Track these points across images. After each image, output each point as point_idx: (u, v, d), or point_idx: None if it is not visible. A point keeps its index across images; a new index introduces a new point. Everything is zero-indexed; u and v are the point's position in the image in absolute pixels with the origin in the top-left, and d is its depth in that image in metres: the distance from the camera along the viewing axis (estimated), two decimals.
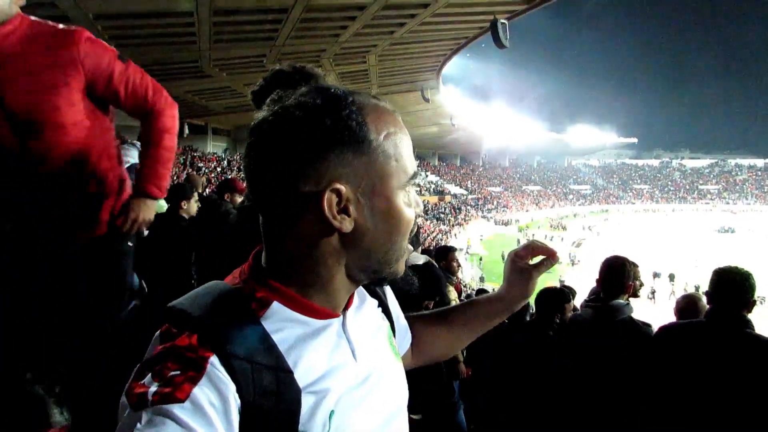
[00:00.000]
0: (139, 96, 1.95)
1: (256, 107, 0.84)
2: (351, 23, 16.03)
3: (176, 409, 0.56)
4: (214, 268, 1.55)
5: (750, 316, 2.50)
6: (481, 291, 9.03)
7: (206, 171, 30.57)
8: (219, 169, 32.70)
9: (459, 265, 6.10)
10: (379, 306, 0.93)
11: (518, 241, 48.76)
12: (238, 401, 0.61)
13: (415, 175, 0.74)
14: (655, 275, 34.36)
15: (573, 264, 40.65)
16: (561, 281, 32.39)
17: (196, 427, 0.56)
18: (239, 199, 4.89)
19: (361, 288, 0.87)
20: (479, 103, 57.55)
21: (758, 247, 48.58)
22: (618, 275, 2.97)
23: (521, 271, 1.05)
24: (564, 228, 60.22)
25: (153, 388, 0.58)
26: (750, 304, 2.47)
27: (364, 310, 0.86)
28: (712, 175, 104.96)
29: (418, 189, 56.17)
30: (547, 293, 3.59)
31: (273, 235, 0.74)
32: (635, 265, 3.35)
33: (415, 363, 1.10)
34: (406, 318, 1.08)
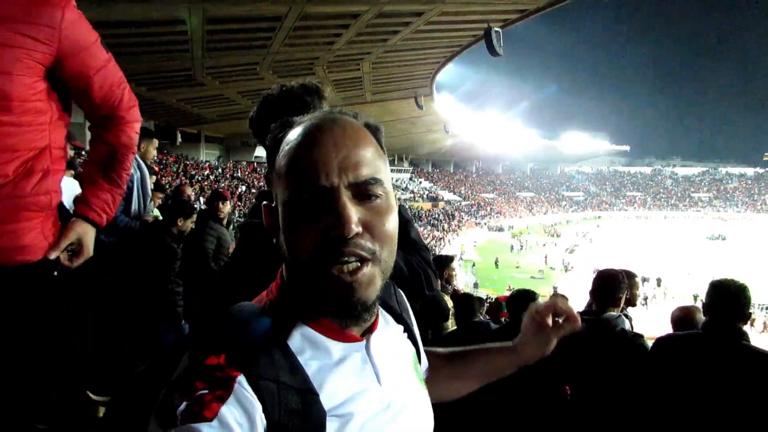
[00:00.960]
0: (113, 97, 1.59)
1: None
2: (345, 31, 16.07)
3: (204, 427, 0.57)
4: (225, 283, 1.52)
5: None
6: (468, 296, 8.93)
7: (199, 179, 30.46)
8: (212, 177, 32.58)
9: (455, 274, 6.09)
10: (405, 331, 0.90)
11: (512, 248, 49.00)
12: (264, 421, 0.61)
13: (302, 187, 0.66)
14: (644, 280, 34.62)
15: (566, 270, 40.78)
16: (554, 287, 32.52)
17: None
18: (227, 208, 4.92)
19: (386, 313, 0.87)
20: (473, 110, 57.86)
21: (748, 255, 49.08)
22: (610, 288, 2.97)
23: (540, 328, 0.99)
24: (558, 235, 60.50)
25: (181, 407, 0.58)
26: (746, 316, 2.49)
27: (388, 334, 0.84)
28: (703, 183, 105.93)
29: (412, 195, 56.34)
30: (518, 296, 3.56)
31: None
32: (632, 276, 3.32)
33: None
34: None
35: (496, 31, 15.00)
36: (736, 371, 2.35)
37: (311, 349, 0.70)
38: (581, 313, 3.04)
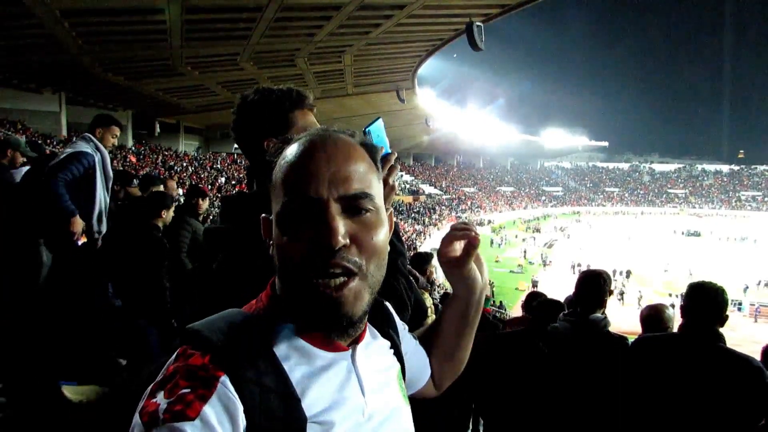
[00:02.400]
0: None
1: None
2: (326, 23, 15.97)
3: (187, 426, 0.57)
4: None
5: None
6: (446, 295, 9.01)
7: (179, 170, 30.07)
8: (191, 169, 32.18)
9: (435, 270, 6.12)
10: (391, 348, 0.92)
11: (491, 242, 49.35)
12: (245, 422, 0.62)
13: (293, 199, 0.69)
14: (615, 272, 35.44)
15: (545, 265, 41.28)
16: (534, 281, 32.89)
17: None
18: (206, 204, 4.90)
19: (373, 328, 0.88)
20: (454, 104, 57.98)
21: (720, 251, 50.45)
22: (595, 289, 2.96)
23: (453, 268, 1.00)
24: (538, 230, 61.08)
25: (164, 405, 0.59)
26: (723, 318, 2.52)
27: (375, 348, 0.86)
28: (679, 180, 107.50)
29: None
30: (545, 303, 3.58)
31: None
32: (608, 275, 3.37)
33: (437, 390, 1.13)
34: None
35: (478, 26, 15.03)
36: (712, 373, 2.39)
37: (296, 356, 0.71)
38: (565, 314, 3.07)
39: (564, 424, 2.83)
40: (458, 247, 0.98)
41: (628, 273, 36.75)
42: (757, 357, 2.74)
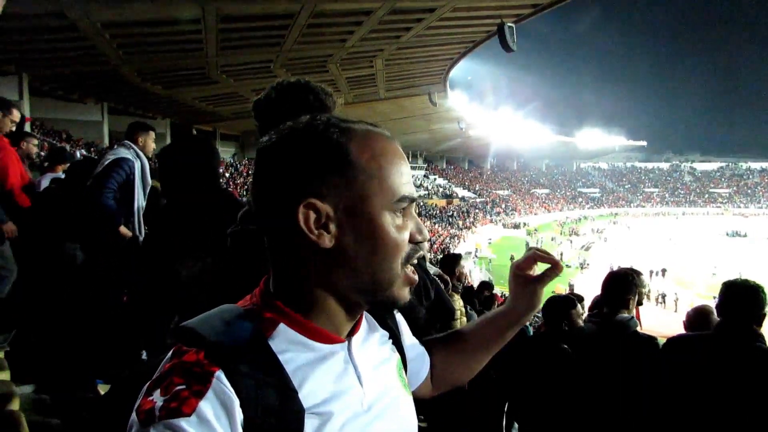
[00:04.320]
0: None
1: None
2: (357, 28, 16.09)
3: (183, 423, 0.58)
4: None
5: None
6: (484, 284, 8.93)
7: None
8: (227, 175, 32.84)
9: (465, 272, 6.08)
10: (390, 338, 0.92)
11: (527, 244, 48.51)
12: (242, 415, 0.62)
13: (404, 199, 0.73)
14: (651, 273, 34.87)
15: (582, 268, 40.44)
16: (570, 285, 32.26)
17: None
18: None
19: (371, 318, 0.90)
20: (487, 107, 57.48)
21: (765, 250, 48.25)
22: (620, 289, 2.91)
23: (525, 284, 1.01)
24: (576, 234, 59.91)
25: (160, 403, 0.59)
26: (761, 317, 2.42)
27: (372, 339, 0.87)
28: (723, 179, 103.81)
29: (427, 192, 56.19)
30: (552, 301, 3.53)
31: (273, 256, 0.76)
32: (639, 274, 3.27)
33: (436, 390, 1.10)
34: (422, 344, 1.08)
35: (509, 27, 14.86)
36: (749, 374, 2.30)
37: (292, 349, 0.71)
38: (590, 315, 3.01)
39: (594, 425, 2.78)
40: (539, 267, 1.01)
41: (664, 271, 36.32)
42: None
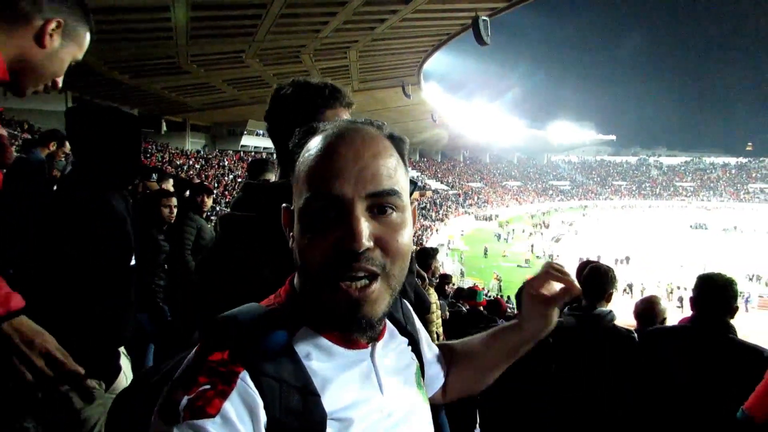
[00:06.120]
0: None
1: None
2: (331, 19, 15.93)
3: (208, 424, 0.58)
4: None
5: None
6: (444, 277, 8.99)
7: (185, 168, 30.17)
8: (198, 167, 32.30)
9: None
10: (409, 345, 0.90)
11: (498, 237, 49.25)
12: (265, 417, 0.62)
13: (315, 196, 0.66)
14: (616, 261, 36.44)
15: (552, 259, 41.14)
16: None
17: None
18: (210, 202, 4.87)
19: (392, 326, 0.87)
20: (461, 99, 57.80)
21: (727, 243, 50.51)
22: (600, 283, 2.94)
23: (537, 303, 0.95)
24: (546, 225, 60.90)
25: (184, 402, 0.59)
26: (733, 309, 2.52)
27: (394, 346, 0.85)
28: (687, 173, 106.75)
29: None
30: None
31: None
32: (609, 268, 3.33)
33: (446, 398, 1.09)
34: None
35: (484, 20, 14.89)
36: (723, 365, 2.39)
37: (316, 354, 0.70)
38: (570, 309, 3.04)
39: (570, 417, 2.82)
40: (554, 287, 0.93)
41: (627, 259, 38.01)
42: None
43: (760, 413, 2.15)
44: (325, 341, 0.72)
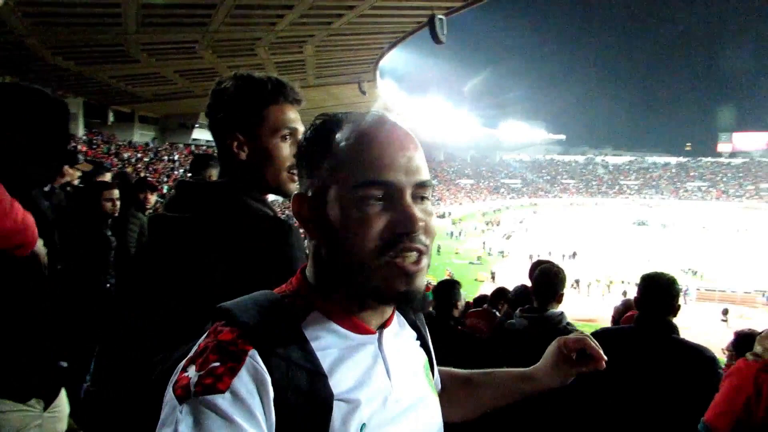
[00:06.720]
0: None
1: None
2: (288, 12, 15.69)
3: (218, 399, 0.60)
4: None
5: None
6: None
7: (133, 161, 29.13)
8: (146, 159, 31.22)
9: None
10: (417, 339, 0.93)
11: (451, 234, 49.90)
12: (273, 393, 0.64)
13: (371, 184, 0.70)
14: (563, 257, 38.08)
15: (503, 256, 42.10)
16: (492, 272, 33.47)
17: (236, 416, 0.60)
18: (154, 198, 4.70)
19: (402, 317, 0.91)
20: (416, 97, 58.17)
21: (667, 239, 53.57)
22: (552, 284, 2.98)
23: (564, 360, 1.03)
24: (497, 223, 62.17)
25: (195, 379, 0.62)
26: (675, 309, 2.59)
27: (402, 336, 0.88)
28: (631, 172, 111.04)
29: None
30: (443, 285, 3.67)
31: (310, 244, 0.79)
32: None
33: None
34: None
35: (440, 19, 15.02)
36: (667, 365, 2.44)
37: (324, 336, 0.73)
38: (522, 311, 3.08)
39: (522, 420, 2.85)
40: (587, 354, 1.01)
41: (574, 254, 39.54)
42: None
43: (722, 424, 2.22)
44: (334, 325, 0.75)
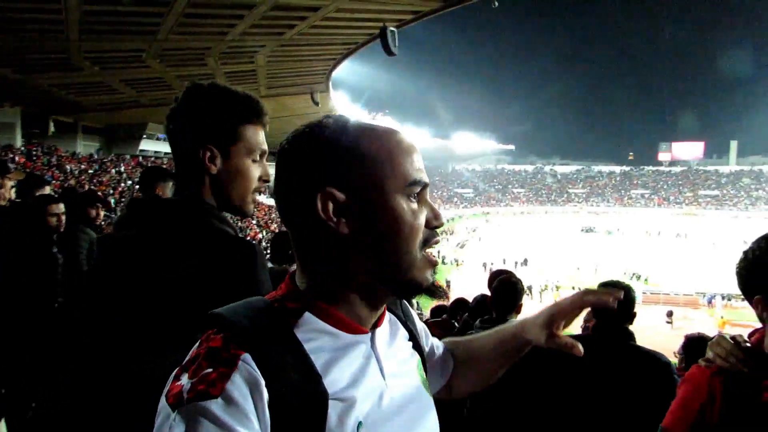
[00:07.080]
0: None
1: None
2: (239, 22, 15.53)
3: (211, 405, 0.60)
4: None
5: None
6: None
7: (77, 173, 27.99)
8: (91, 171, 30.05)
9: None
10: (409, 340, 0.94)
11: None
12: (267, 396, 0.64)
13: (416, 183, 0.76)
14: (516, 264, 39.03)
15: (458, 265, 42.68)
16: (447, 281, 33.80)
17: (230, 421, 0.60)
18: (103, 213, 4.44)
19: (393, 317, 0.93)
20: (369, 108, 58.42)
21: (612, 245, 55.76)
22: (511, 295, 3.01)
23: (551, 325, 0.98)
24: (452, 232, 63.00)
25: (187, 386, 0.62)
26: (632, 316, 2.64)
27: (394, 335, 0.90)
28: (579, 180, 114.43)
29: None
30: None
31: (298, 250, 0.79)
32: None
33: (451, 395, 1.12)
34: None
35: (392, 31, 15.20)
36: (624, 371, 2.46)
37: (317, 337, 0.73)
38: (482, 321, 3.10)
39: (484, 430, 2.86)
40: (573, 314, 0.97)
41: (525, 261, 40.64)
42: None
43: (679, 430, 2.28)
44: (327, 326, 0.75)
